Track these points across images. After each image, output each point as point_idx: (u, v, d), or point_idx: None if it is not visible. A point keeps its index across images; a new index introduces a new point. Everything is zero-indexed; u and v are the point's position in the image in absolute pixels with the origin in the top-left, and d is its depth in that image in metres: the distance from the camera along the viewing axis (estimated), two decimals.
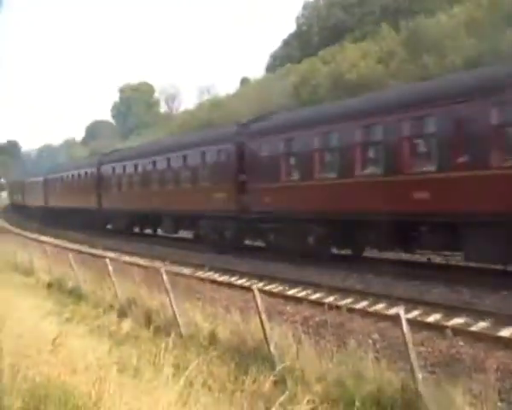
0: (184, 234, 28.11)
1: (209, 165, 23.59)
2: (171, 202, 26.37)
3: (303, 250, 18.57)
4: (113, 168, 33.99)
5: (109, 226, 36.35)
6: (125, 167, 32.35)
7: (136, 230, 32.99)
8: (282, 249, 19.50)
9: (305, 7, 77.50)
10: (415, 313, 11.53)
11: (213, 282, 16.46)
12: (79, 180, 39.60)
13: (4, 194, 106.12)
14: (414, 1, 55.17)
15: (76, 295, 15.61)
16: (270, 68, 76.50)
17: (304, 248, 18.54)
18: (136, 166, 30.82)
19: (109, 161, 35.35)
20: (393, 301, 12.53)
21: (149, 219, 29.95)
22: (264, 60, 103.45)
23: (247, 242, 23.28)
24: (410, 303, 12.17)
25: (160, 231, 30.54)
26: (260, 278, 16.54)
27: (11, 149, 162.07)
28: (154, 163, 28.50)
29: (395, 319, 7.58)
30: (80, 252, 25.79)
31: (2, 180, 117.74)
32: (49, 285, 17.66)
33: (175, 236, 28.83)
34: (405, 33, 46.44)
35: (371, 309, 12.25)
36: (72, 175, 41.50)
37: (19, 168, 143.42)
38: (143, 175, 29.80)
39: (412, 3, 54.97)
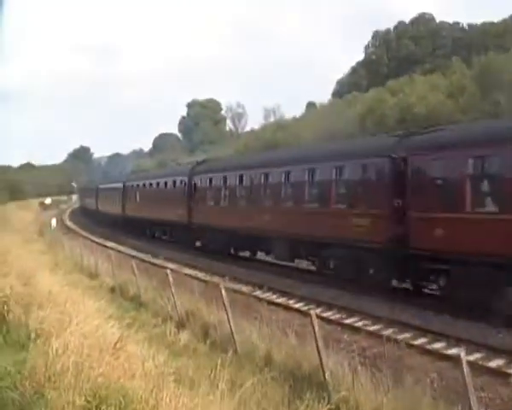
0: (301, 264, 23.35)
1: (347, 183, 19.39)
2: (287, 223, 21.76)
3: None
4: (210, 179, 29.53)
5: (198, 244, 31.40)
6: (225, 179, 27.77)
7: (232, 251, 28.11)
8: (476, 304, 14.11)
9: (374, 36, 77.25)
10: (476, 356, 11.17)
11: (271, 303, 16.49)
12: (165, 190, 35.49)
13: (75, 197, 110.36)
14: (487, 36, 54.10)
15: (137, 302, 16.04)
16: (337, 94, 76.53)
17: None
18: (241, 179, 26.34)
19: (205, 170, 31.18)
20: (453, 341, 12.17)
21: (254, 240, 25.00)
22: (330, 85, 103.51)
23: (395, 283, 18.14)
24: (471, 345, 11.78)
25: (264, 256, 25.73)
26: (318, 303, 16.44)
27: (83, 154, 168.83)
28: (267, 176, 24.04)
29: (455, 359, 7.41)
30: (143, 260, 26.44)
31: (74, 184, 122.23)
32: (112, 290, 18.23)
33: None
34: (477, 68, 45.46)
35: (430, 347, 11.95)
36: (158, 184, 37.67)
37: (90, 174, 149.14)
38: (250, 189, 25.59)
39: (485, 39, 53.90)
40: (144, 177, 44.21)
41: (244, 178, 26.10)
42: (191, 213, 31.20)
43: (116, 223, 47.89)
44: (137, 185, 42.58)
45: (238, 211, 26.15)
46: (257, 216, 23.98)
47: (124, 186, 45.89)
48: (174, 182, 34.14)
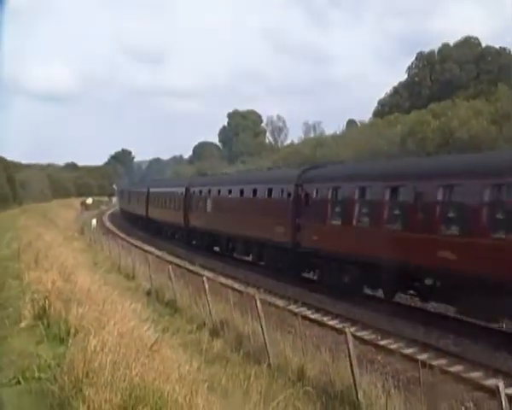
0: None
1: None
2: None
3: None
4: (335, 189, 21.80)
5: (310, 276, 24.68)
6: (363, 190, 20.26)
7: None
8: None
9: (418, 57, 76.47)
10: None
11: (306, 318, 16.42)
12: (256, 200, 28.60)
13: (115, 199, 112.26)
14: None
15: (172, 307, 16.19)
16: (378, 114, 75.99)
17: None
18: (394, 192, 18.68)
19: (324, 177, 23.41)
20: (490, 371, 11.87)
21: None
22: (371, 105, 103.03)
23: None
24: (509, 378, 11.44)
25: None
26: (353, 322, 16.29)
27: (125, 157, 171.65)
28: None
29: (492, 390, 7.24)
30: (179, 266, 26.68)
31: (114, 186, 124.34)
32: (148, 293, 18.44)
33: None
34: None
35: (467, 375, 11.68)
36: (242, 191, 30.54)
37: (131, 177, 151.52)
38: (418, 207, 17.28)
39: None
40: (218, 181, 37.40)
41: (402, 191, 18.18)
42: (299, 232, 23.61)
43: (174, 233, 43.79)
44: (209, 191, 35.61)
45: (390, 236, 17.96)
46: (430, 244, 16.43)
47: (186, 191, 39.70)
48: (270, 190, 27.10)
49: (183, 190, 40.26)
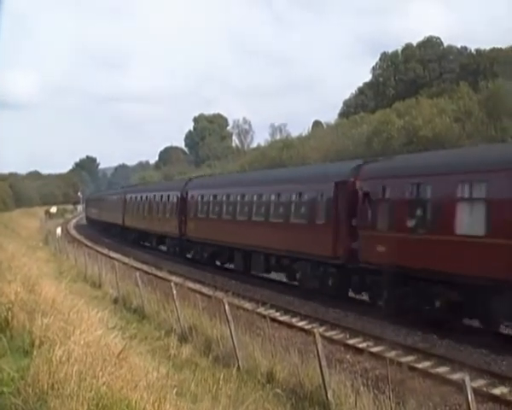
0: None
1: None
2: None
3: None
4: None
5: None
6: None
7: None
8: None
9: (382, 58, 77.65)
10: (480, 383, 11.06)
11: (274, 320, 16.42)
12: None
13: (80, 207, 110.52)
14: (495, 63, 54.39)
15: (140, 313, 16.02)
16: (343, 115, 76.80)
17: None
18: None
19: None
20: (457, 366, 12.08)
21: None
22: (336, 104, 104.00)
23: None
24: (475, 371, 11.67)
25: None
26: (321, 322, 16.37)
27: (89, 164, 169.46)
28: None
29: (459, 385, 7.36)
30: (147, 273, 26.43)
31: (80, 194, 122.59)
32: (116, 301, 18.21)
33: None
34: (485, 94, 45.63)
35: (434, 371, 11.86)
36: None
37: (96, 184, 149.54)
38: None
39: (493, 65, 54.19)
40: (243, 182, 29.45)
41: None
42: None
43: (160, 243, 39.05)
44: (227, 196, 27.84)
45: None
46: None
47: (181, 196, 33.45)
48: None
49: (178, 194, 34.10)
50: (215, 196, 29.16)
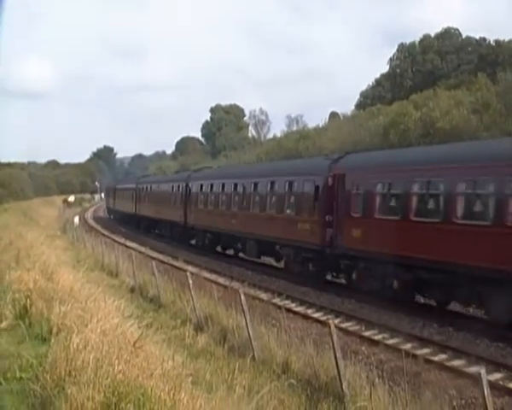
0: None
1: None
2: None
3: None
4: None
5: None
6: None
7: None
8: None
9: (399, 49, 76.82)
10: (496, 376, 10.99)
11: (290, 311, 16.44)
12: None
13: (97, 196, 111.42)
14: None
15: (156, 302, 16.14)
16: (360, 106, 76.20)
17: None
18: None
19: None
20: (473, 359, 12.01)
21: None
22: (354, 96, 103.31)
23: None
24: (492, 364, 11.60)
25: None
26: (337, 314, 16.37)
27: (107, 154, 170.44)
28: None
29: (475, 378, 7.31)
30: (163, 262, 26.59)
31: (97, 183, 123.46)
32: (132, 290, 18.36)
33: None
34: (504, 85, 44.90)
35: (450, 364, 11.80)
36: None
37: (113, 173, 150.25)
38: None
39: None
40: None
41: None
42: None
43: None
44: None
45: None
46: None
47: (186, 187, 35.65)
48: None
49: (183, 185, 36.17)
50: (211, 187, 31.62)
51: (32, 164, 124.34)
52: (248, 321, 11.07)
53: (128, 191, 53.09)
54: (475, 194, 14.87)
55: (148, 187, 46.33)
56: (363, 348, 12.93)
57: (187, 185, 35.53)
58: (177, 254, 29.71)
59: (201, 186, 33.14)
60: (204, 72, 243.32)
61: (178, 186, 37.72)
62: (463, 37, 72.44)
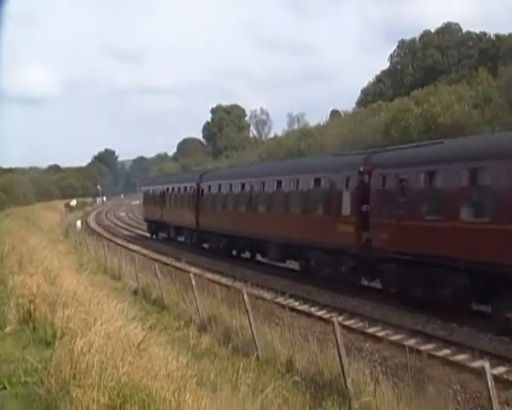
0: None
1: None
2: None
3: None
4: None
5: None
6: None
7: None
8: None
9: (399, 45, 76.83)
10: (500, 370, 11.00)
11: (293, 309, 16.47)
12: None
13: (99, 200, 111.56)
14: None
15: (159, 304, 16.17)
16: (361, 103, 76.20)
17: None
18: None
19: None
20: (477, 353, 12.02)
21: None
22: (354, 93, 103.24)
23: None
24: (495, 359, 11.60)
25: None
26: (340, 311, 16.39)
27: (108, 157, 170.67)
28: None
29: (479, 372, 7.33)
30: (165, 264, 26.62)
31: (99, 187, 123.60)
32: (135, 292, 18.40)
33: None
34: (504, 79, 44.86)
35: (454, 359, 11.82)
36: None
37: (114, 177, 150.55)
38: None
39: None
40: None
41: None
42: None
43: None
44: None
45: None
46: None
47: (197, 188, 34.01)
48: None
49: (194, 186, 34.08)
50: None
51: (33, 169, 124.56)
52: (252, 321, 11.10)
53: (185, 195, 36.26)
54: None
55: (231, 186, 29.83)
56: (367, 344, 12.95)
57: (198, 185, 33.19)
58: (181, 256, 29.65)
59: (220, 186, 30.44)
60: (205, 73, 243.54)
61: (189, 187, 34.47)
62: (464, 32, 72.45)
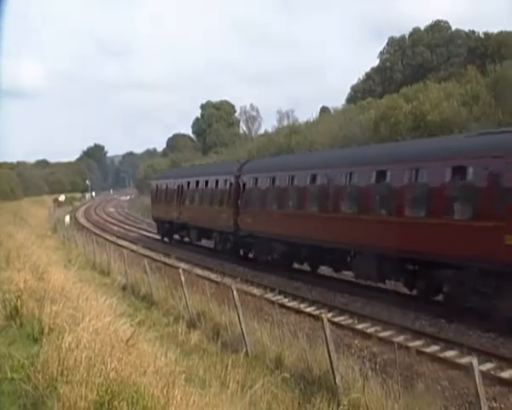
0: None
1: None
2: None
3: None
4: None
5: None
6: None
7: None
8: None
9: (389, 43, 77.09)
10: (488, 366, 11.06)
11: (283, 306, 16.47)
12: None
13: (88, 195, 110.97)
14: (503, 46, 53.82)
15: (148, 300, 16.10)
16: (351, 100, 76.38)
17: None
18: None
19: None
20: (465, 349, 12.08)
21: None
22: (344, 90, 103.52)
23: None
24: (483, 355, 11.67)
25: None
26: (330, 308, 16.41)
27: (97, 152, 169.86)
28: None
29: (467, 368, 7.35)
30: (155, 260, 26.53)
31: (87, 182, 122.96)
32: (124, 288, 18.31)
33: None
34: (493, 77, 45.17)
35: (442, 355, 11.87)
36: None
37: (103, 172, 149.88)
38: None
39: (501, 48, 53.64)
40: None
41: None
42: None
43: None
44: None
45: None
46: None
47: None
48: None
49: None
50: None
51: (21, 163, 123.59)
52: (241, 317, 11.08)
53: (216, 191, 29.78)
54: None
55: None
56: (356, 341, 12.98)
57: (237, 178, 26.76)
58: (170, 252, 29.60)
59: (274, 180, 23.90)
60: (194, 69, 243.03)
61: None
62: (453, 29, 72.80)
